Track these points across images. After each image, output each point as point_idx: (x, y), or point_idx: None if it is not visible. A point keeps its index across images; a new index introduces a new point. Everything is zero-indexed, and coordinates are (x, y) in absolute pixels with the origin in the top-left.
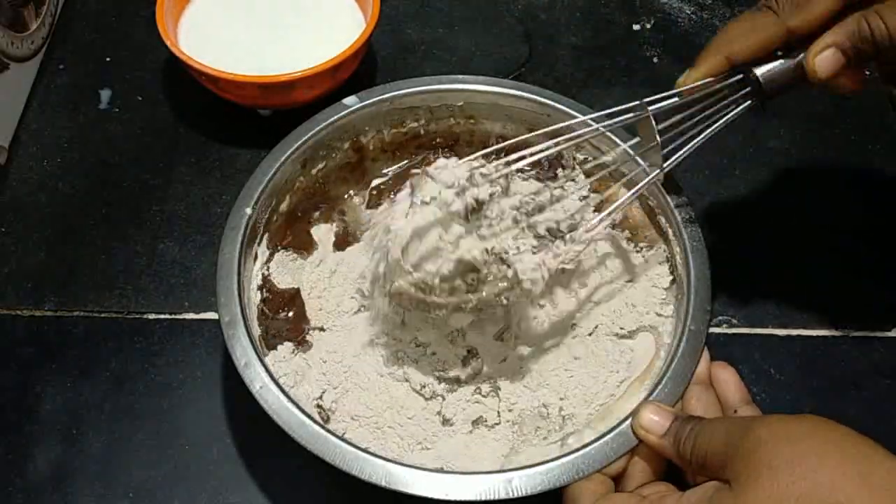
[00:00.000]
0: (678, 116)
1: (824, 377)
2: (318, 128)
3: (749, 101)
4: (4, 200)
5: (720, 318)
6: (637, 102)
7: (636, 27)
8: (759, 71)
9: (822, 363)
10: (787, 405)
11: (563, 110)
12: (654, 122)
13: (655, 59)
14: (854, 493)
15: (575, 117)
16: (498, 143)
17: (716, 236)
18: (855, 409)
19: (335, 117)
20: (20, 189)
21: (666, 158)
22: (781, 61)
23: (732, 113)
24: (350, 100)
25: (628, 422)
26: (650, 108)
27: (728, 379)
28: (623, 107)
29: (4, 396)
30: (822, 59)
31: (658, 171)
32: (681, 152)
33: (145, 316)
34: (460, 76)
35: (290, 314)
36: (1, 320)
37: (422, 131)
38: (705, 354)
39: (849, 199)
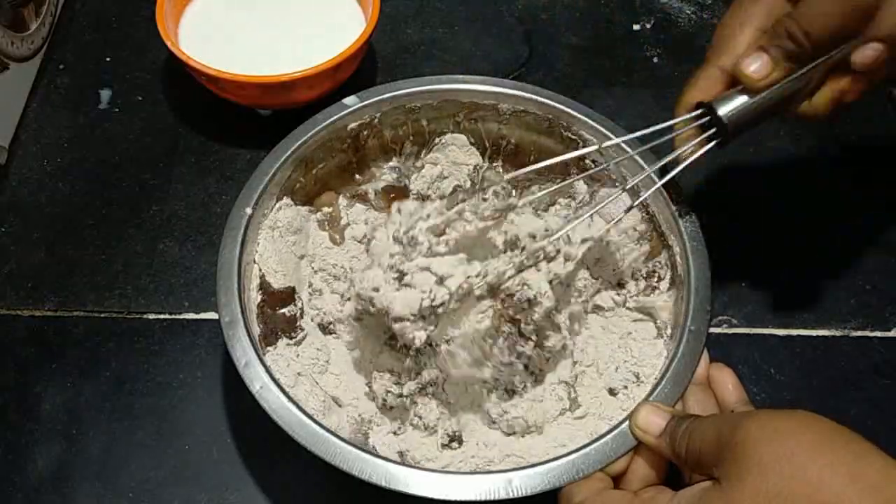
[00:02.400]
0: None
1: (824, 377)
2: (318, 128)
3: (713, 138)
4: (4, 200)
5: (720, 318)
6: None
7: (636, 27)
8: (722, 109)
9: (822, 363)
10: (787, 405)
11: (562, 110)
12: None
13: (655, 59)
14: (843, 490)
15: (575, 117)
16: (498, 143)
17: (716, 236)
18: (855, 409)
19: (335, 117)
20: (20, 189)
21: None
22: (743, 97)
23: (698, 154)
24: (350, 100)
25: (628, 422)
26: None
27: (726, 380)
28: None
29: (4, 396)
30: (750, 62)
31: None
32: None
33: (145, 316)
34: (460, 76)
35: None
36: (1, 320)
37: (422, 131)
38: (704, 355)
39: (849, 199)
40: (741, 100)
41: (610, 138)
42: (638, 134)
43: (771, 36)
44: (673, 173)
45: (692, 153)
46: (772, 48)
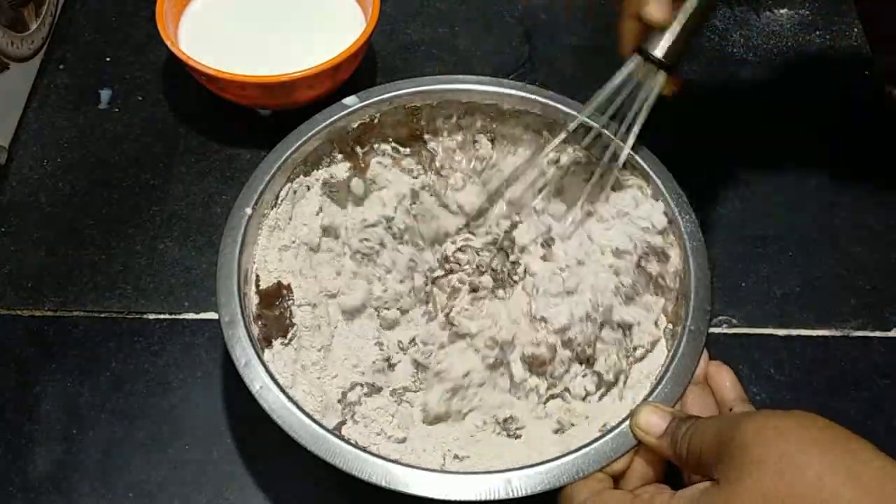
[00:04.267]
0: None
1: (824, 377)
2: (318, 128)
3: (657, 74)
4: (4, 200)
5: (720, 318)
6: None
7: None
8: (653, 49)
9: (822, 363)
10: (787, 405)
11: (563, 110)
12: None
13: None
14: (841, 490)
15: (575, 117)
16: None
17: (716, 236)
18: (855, 409)
19: (335, 117)
20: (20, 189)
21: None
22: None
23: (646, 89)
24: (350, 100)
25: (628, 422)
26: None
27: (724, 378)
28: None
29: (4, 396)
30: (651, 6)
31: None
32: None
33: (145, 316)
34: (460, 76)
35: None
36: (1, 320)
37: (422, 131)
38: (704, 355)
39: (849, 199)
40: (665, 35)
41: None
42: (604, 95)
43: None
44: (649, 101)
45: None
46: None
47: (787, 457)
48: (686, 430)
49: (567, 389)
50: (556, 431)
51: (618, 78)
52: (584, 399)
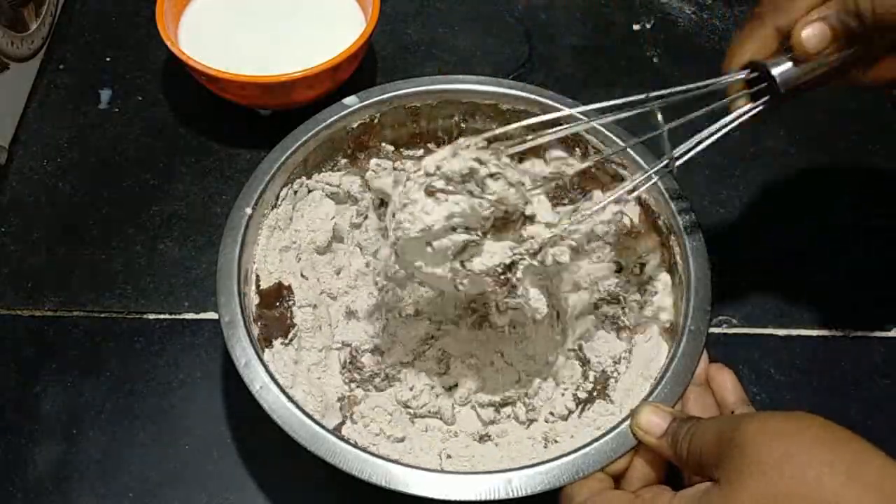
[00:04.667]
0: (693, 114)
1: (824, 377)
2: (318, 128)
3: (764, 98)
4: (4, 200)
5: (720, 318)
6: (644, 95)
7: (636, 27)
8: (776, 70)
9: (822, 363)
10: (787, 405)
11: (563, 110)
12: (660, 116)
13: (655, 59)
14: (842, 490)
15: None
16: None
17: (716, 236)
18: (855, 409)
19: (335, 117)
20: (20, 189)
21: (674, 150)
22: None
23: (746, 108)
24: (350, 100)
25: (628, 422)
26: (657, 102)
27: (725, 380)
28: (631, 99)
29: (4, 396)
30: (809, 32)
31: (666, 160)
32: (691, 145)
33: (145, 316)
34: (460, 76)
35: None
36: (1, 320)
37: (422, 131)
38: (703, 356)
39: (849, 199)
40: (794, 64)
41: (615, 139)
42: (679, 89)
43: (837, 7)
44: (728, 128)
45: (745, 112)
46: (834, 20)
47: (788, 457)
48: (687, 430)
49: (552, 412)
50: (545, 447)
51: (710, 85)
52: (565, 419)
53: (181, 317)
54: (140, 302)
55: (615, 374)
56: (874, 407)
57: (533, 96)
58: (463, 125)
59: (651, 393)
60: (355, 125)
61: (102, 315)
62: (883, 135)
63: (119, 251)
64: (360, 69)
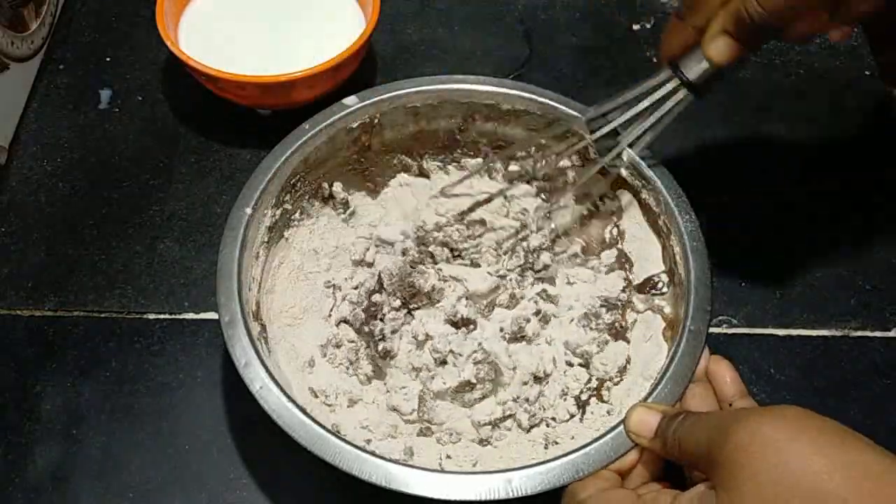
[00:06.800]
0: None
1: (824, 377)
2: (318, 128)
3: (685, 94)
4: (4, 200)
5: (720, 318)
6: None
7: (636, 27)
8: (691, 75)
9: (822, 363)
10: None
11: (563, 110)
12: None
13: (655, 59)
14: (840, 483)
15: (575, 117)
16: (497, 143)
17: (716, 236)
18: (855, 409)
19: (335, 117)
20: (20, 189)
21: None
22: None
23: (669, 102)
24: (350, 100)
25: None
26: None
27: (724, 373)
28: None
29: (4, 396)
30: (715, 47)
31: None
32: (639, 133)
33: (145, 316)
34: (460, 76)
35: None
36: (1, 320)
37: (422, 131)
38: (705, 352)
39: (849, 199)
40: (710, 65)
41: (602, 127)
42: (619, 100)
43: (732, 19)
44: (666, 117)
45: (676, 103)
46: (732, 29)
47: (783, 465)
48: (675, 428)
49: (553, 418)
50: (545, 447)
51: (649, 82)
52: (567, 422)
53: (181, 317)
54: (140, 302)
55: (615, 376)
56: (874, 407)
57: (533, 96)
58: (463, 125)
59: (651, 393)
60: (355, 125)
61: (102, 315)
62: (883, 135)
63: (119, 251)
64: (360, 69)
